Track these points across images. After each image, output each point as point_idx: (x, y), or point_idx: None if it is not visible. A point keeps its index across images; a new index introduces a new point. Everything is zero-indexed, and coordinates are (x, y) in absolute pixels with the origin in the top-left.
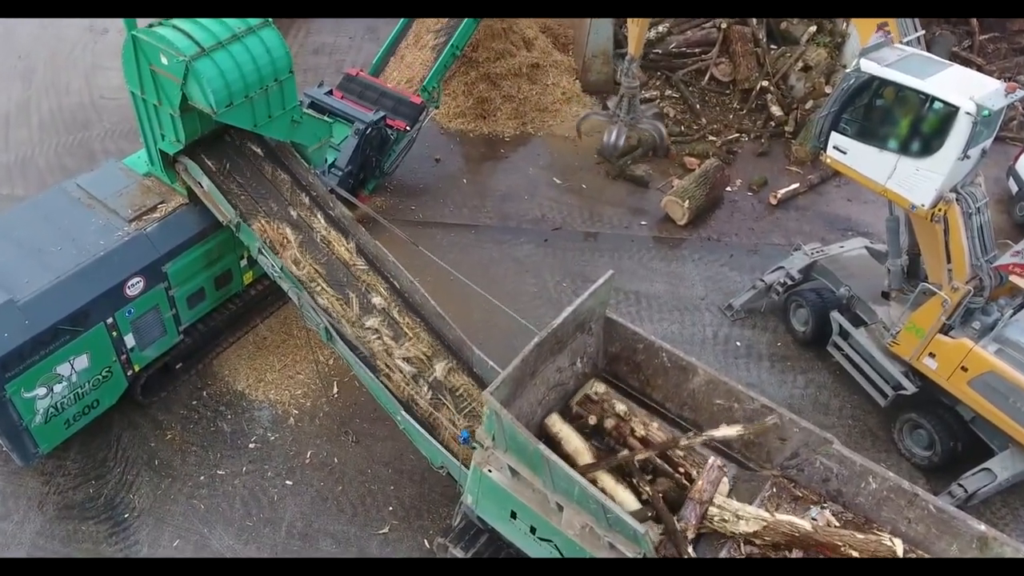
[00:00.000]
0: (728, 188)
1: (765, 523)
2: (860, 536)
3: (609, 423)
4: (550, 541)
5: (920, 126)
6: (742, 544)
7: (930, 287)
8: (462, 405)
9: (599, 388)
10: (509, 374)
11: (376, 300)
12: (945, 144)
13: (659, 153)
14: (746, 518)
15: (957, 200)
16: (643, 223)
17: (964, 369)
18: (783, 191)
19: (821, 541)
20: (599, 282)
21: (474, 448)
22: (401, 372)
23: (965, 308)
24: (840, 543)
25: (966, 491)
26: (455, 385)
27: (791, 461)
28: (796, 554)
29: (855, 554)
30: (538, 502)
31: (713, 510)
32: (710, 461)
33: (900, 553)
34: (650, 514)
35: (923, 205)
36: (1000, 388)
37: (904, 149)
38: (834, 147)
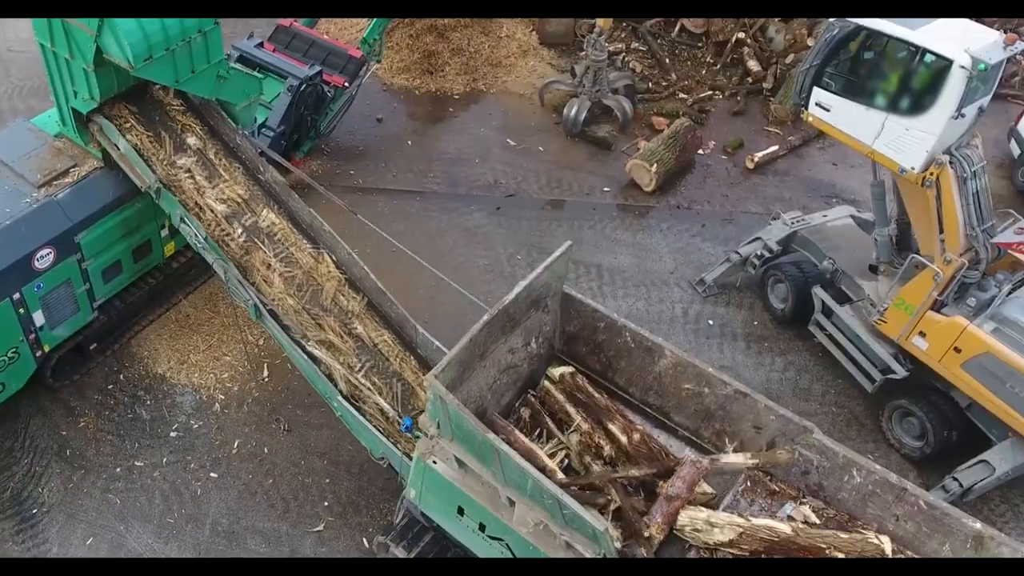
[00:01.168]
0: (700, 151)
1: (741, 530)
2: (844, 536)
3: (583, 427)
4: (501, 540)
5: (910, 81)
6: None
7: (921, 259)
8: (406, 389)
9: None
10: (456, 355)
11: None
12: (937, 101)
13: (623, 129)
14: (720, 526)
15: (951, 163)
16: (606, 189)
17: (957, 350)
18: (761, 154)
19: (803, 545)
20: (556, 254)
21: (417, 437)
22: (338, 352)
23: (959, 283)
24: (824, 545)
25: (961, 485)
26: (400, 368)
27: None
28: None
29: (841, 556)
30: (488, 497)
31: (683, 519)
32: (685, 455)
33: (888, 552)
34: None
35: (913, 168)
36: (997, 371)
37: (893, 107)
38: (816, 104)
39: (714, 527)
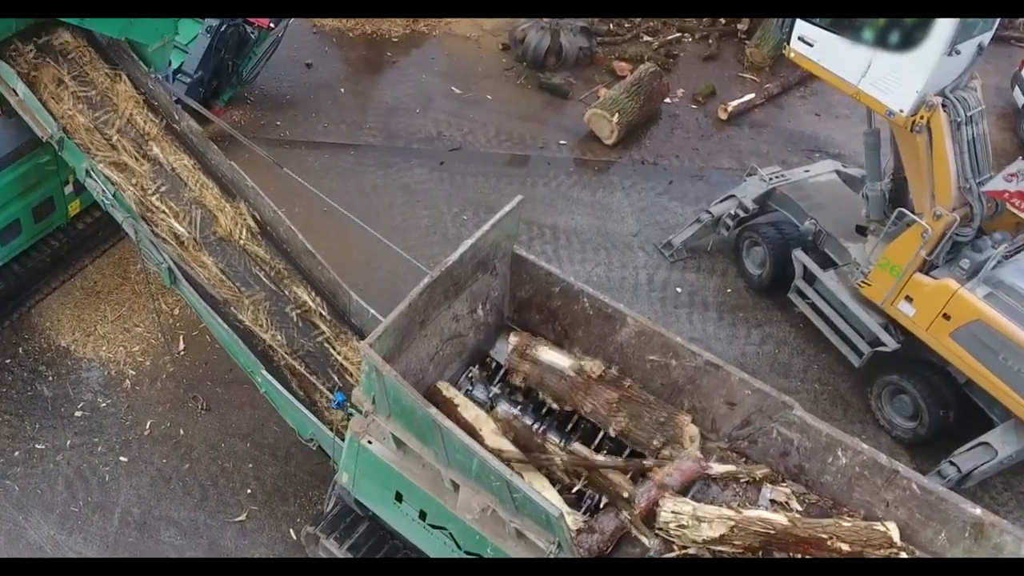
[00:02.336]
0: (667, 100)
1: (732, 523)
2: (847, 524)
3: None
4: (443, 529)
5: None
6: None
7: (908, 213)
8: (336, 363)
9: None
10: (393, 323)
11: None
12: (929, 35)
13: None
14: (708, 520)
15: (943, 106)
16: (562, 142)
17: (946, 317)
18: (735, 103)
19: (803, 537)
20: (505, 209)
21: (350, 415)
22: (261, 321)
23: (951, 241)
24: (825, 536)
25: (959, 471)
26: (332, 338)
27: (742, 431)
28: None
29: (845, 547)
30: (429, 480)
31: (666, 514)
32: (689, 450)
33: (897, 539)
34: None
35: (902, 111)
36: (989, 342)
37: (881, 41)
38: (799, 38)
39: (701, 522)
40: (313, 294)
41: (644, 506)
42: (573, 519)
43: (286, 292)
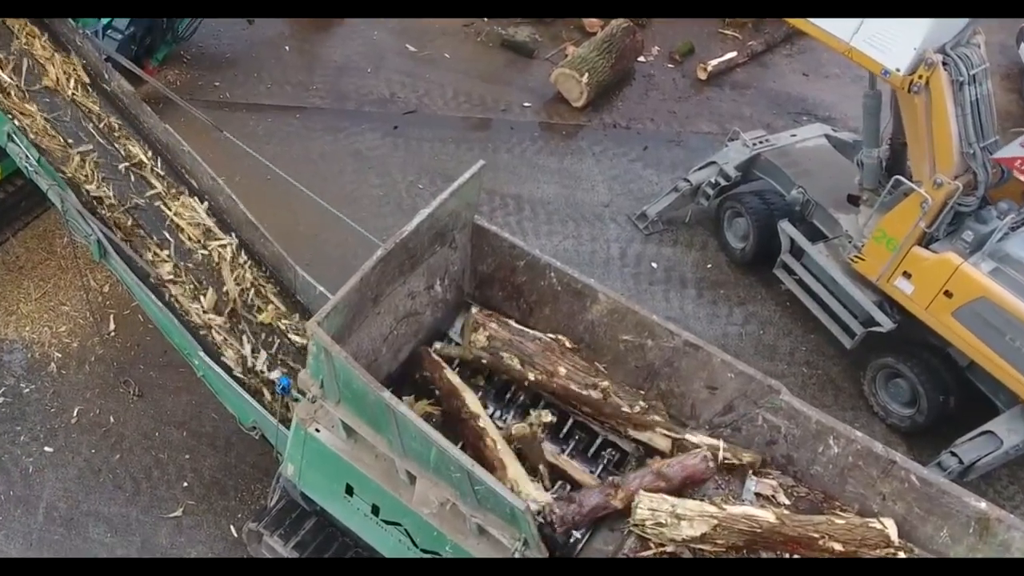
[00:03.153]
0: (641, 58)
1: (715, 521)
2: (840, 522)
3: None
4: (398, 525)
5: None
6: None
7: (906, 181)
8: (279, 344)
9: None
10: (343, 299)
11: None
12: None
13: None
14: (688, 518)
15: (944, 64)
16: (527, 105)
17: (948, 294)
18: (715, 62)
19: (792, 536)
20: (466, 175)
21: (296, 400)
22: (198, 300)
23: (952, 212)
24: (817, 534)
25: (961, 462)
26: (271, 317)
27: (724, 417)
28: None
29: (838, 547)
30: (382, 472)
31: (642, 511)
32: (699, 440)
33: (895, 538)
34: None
35: (898, 70)
36: (995, 321)
37: None
38: None
39: (681, 520)
40: (256, 269)
41: (632, 489)
42: (542, 504)
43: (225, 268)
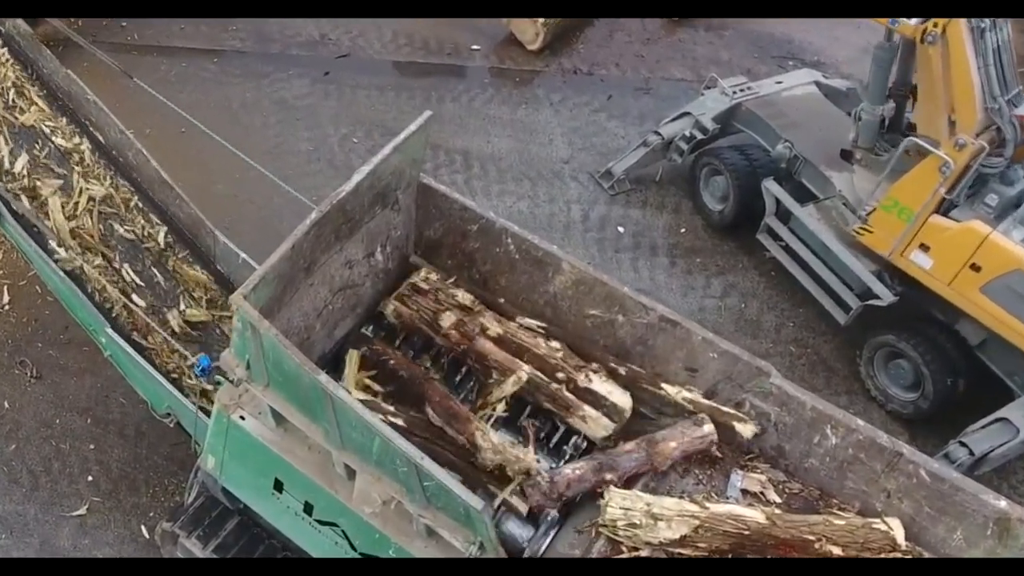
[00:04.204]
0: None
1: (697, 522)
2: (839, 523)
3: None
4: (334, 525)
5: None
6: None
7: (920, 142)
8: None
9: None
10: (271, 268)
11: (64, 150)
12: None
13: None
14: (666, 518)
15: None
16: (475, 48)
17: (975, 268)
18: None
19: (784, 538)
20: (410, 128)
21: (218, 383)
22: (104, 267)
23: (975, 174)
24: (812, 537)
25: (972, 453)
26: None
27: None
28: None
29: (837, 550)
30: (317, 466)
31: (614, 511)
32: (700, 421)
33: (901, 541)
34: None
35: (908, 19)
36: None
37: None
38: None
39: (658, 520)
40: (168, 233)
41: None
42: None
43: (136, 231)
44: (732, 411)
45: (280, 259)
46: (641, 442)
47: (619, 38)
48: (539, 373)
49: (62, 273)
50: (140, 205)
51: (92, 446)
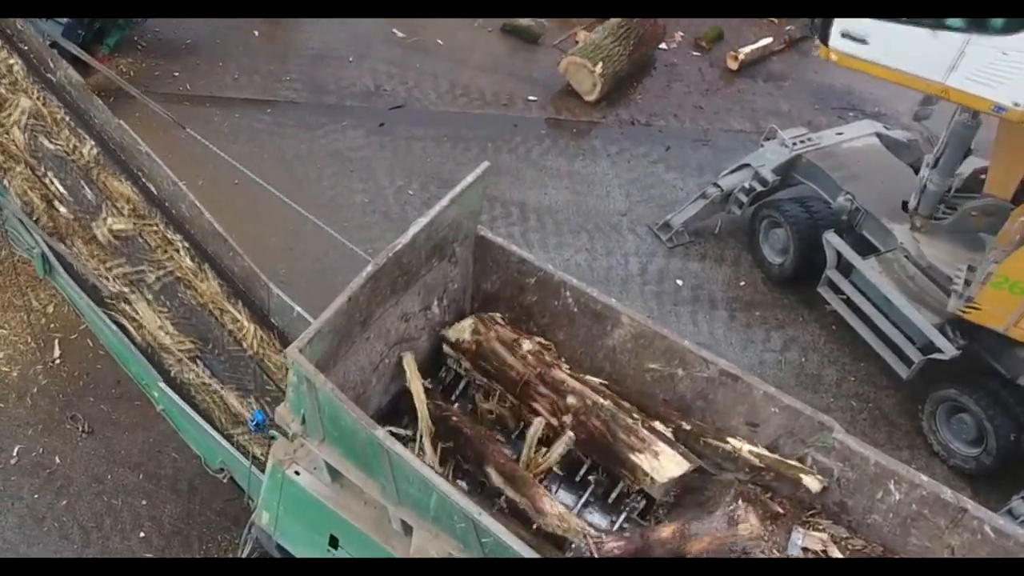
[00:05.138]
0: (663, 45)
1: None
2: None
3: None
4: None
5: None
6: None
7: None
8: (252, 374)
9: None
10: (327, 322)
11: (119, 210)
12: None
13: None
14: None
15: None
16: (532, 98)
17: None
18: (748, 49)
19: None
20: (468, 179)
21: (272, 438)
22: (159, 323)
23: None
24: None
25: None
26: (247, 343)
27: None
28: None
29: None
30: (373, 521)
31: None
32: (739, 519)
33: None
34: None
35: (1017, 104)
36: None
37: (977, 24)
38: (843, 36)
39: None
40: (224, 287)
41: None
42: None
43: (190, 284)
44: (797, 464)
45: (336, 312)
46: (676, 533)
47: (677, 89)
48: (600, 425)
49: (114, 327)
50: (68, 120)
51: (144, 501)
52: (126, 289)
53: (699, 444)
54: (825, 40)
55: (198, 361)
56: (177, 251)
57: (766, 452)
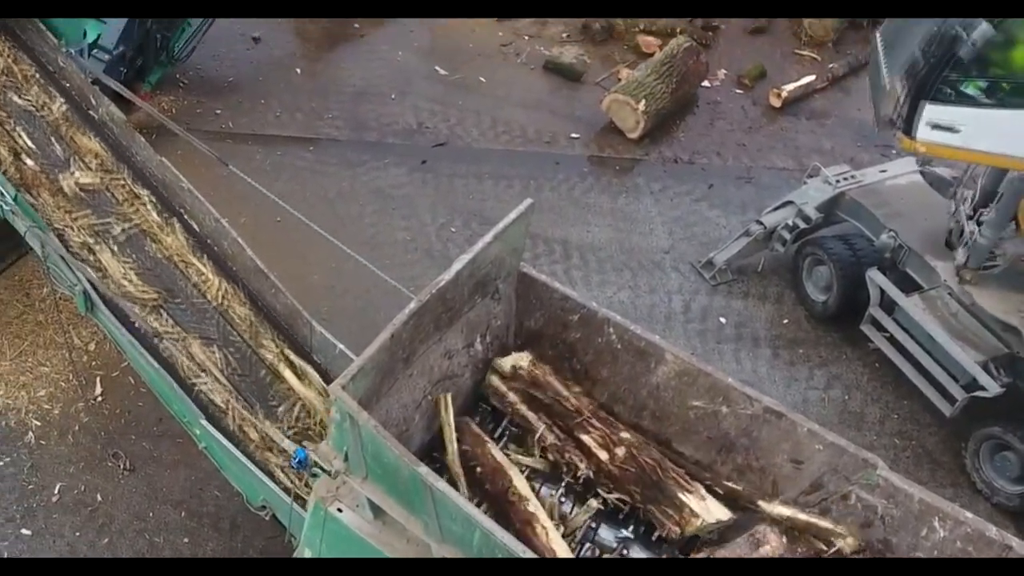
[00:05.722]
0: (706, 83)
1: None
2: None
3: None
4: None
5: None
6: None
7: None
8: (294, 413)
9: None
10: (370, 359)
11: (87, 164)
12: None
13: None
14: None
15: None
16: (574, 136)
17: None
18: (791, 87)
19: None
20: (511, 216)
21: (315, 475)
22: (201, 359)
23: None
24: None
25: None
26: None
27: (811, 496)
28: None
29: None
30: (416, 557)
31: None
32: (759, 542)
33: None
34: None
35: None
36: None
37: None
38: (930, 125)
39: None
40: (266, 324)
41: None
42: None
43: (156, 238)
44: (830, 526)
45: (379, 349)
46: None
47: (720, 126)
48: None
49: (156, 364)
50: (38, 77)
51: (186, 539)
52: (91, 239)
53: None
54: (910, 133)
55: (162, 311)
56: (144, 204)
57: (798, 515)
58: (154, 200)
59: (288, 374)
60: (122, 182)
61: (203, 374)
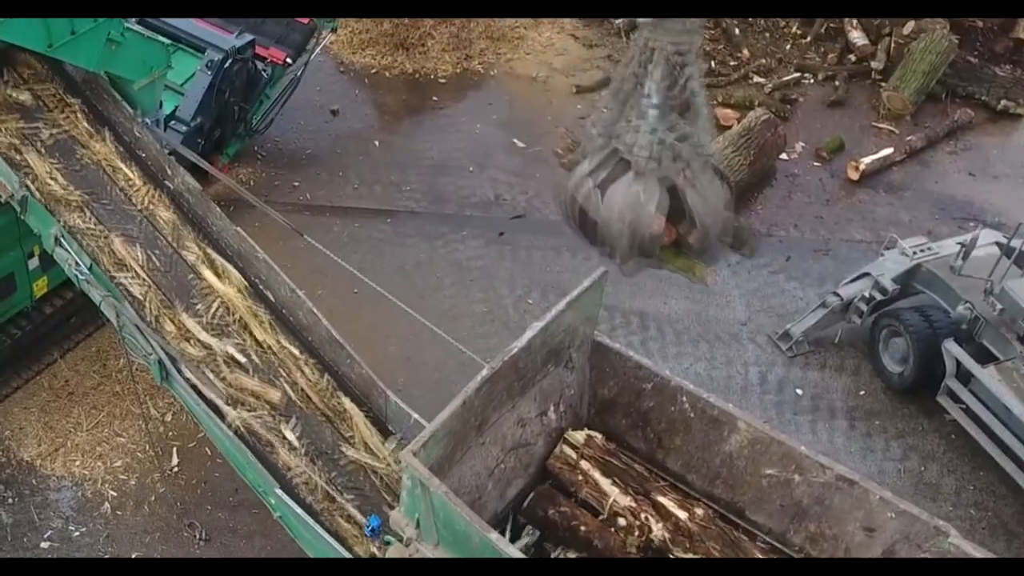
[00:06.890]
0: (784, 155)
1: None
2: None
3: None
4: None
5: None
6: None
7: None
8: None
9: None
10: (443, 426)
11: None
12: None
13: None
14: None
15: None
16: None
17: None
18: (868, 160)
19: None
20: (584, 284)
21: (388, 543)
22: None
23: None
24: None
25: None
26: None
27: None
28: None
29: None
30: None
31: None
32: None
33: None
34: None
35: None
36: None
37: None
38: None
39: None
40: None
41: None
42: None
43: (85, 145)
44: None
45: (451, 416)
46: None
47: (798, 199)
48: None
49: (232, 434)
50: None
51: None
52: (16, 141)
53: None
54: None
55: (86, 209)
56: (75, 113)
57: None
58: (85, 109)
59: (208, 273)
60: (53, 91)
61: (49, 182)
